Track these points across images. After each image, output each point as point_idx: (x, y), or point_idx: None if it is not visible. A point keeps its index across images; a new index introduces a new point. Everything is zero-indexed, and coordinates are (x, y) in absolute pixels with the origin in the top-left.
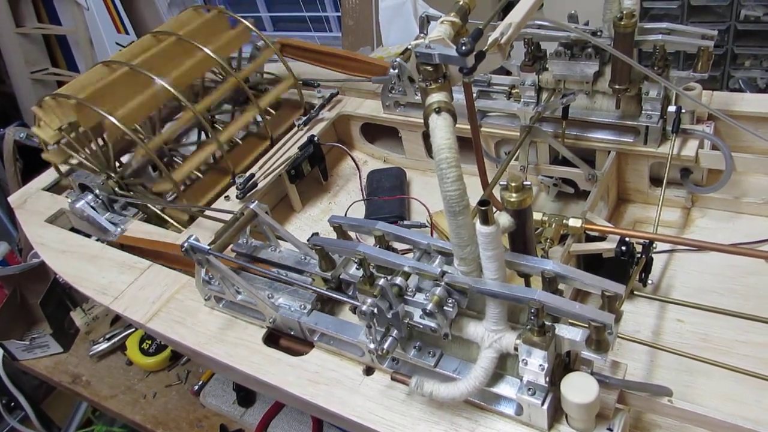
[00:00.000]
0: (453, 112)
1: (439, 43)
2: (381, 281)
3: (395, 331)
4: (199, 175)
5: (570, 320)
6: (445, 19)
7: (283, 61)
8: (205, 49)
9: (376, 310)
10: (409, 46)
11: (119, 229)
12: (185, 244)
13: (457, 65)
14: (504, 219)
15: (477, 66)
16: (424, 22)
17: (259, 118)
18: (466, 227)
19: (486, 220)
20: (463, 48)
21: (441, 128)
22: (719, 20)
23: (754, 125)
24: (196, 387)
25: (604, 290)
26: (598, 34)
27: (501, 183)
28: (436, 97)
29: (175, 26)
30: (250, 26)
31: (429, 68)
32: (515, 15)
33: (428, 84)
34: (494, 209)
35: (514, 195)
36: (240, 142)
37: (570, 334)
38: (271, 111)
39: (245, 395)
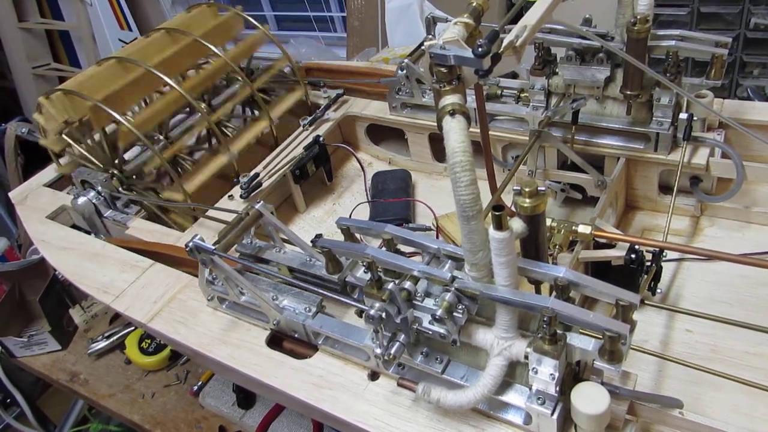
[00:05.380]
0: (467, 115)
1: (454, 45)
2: (390, 285)
3: (403, 337)
4: None
5: (581, 329)
6: (459, 20)
7: (294, 66)
8: (224, 56)
9: (384, 315)
10: (424, 47)
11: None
12: (190, 244)
13: (473, 67)
14: (517, 224)
15: (493, 68)
16: (431, 23)
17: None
18: (478, 232)
19: (500, 225)
20: (480, 50)
21: (455, 131)
22: (728, 28)
23: (765, 134)
24: (196, 387)
25: (618, 299)
26: (609, 39)
27: (515, 188)
28: (450, 99)
29: (190, 24)
30: (267, 32)
31: (443, 70)
32: (530, 17)
33: (442, 86)
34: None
35: (527, 200)
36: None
37: (582, 343)
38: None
39: (245, 397)
